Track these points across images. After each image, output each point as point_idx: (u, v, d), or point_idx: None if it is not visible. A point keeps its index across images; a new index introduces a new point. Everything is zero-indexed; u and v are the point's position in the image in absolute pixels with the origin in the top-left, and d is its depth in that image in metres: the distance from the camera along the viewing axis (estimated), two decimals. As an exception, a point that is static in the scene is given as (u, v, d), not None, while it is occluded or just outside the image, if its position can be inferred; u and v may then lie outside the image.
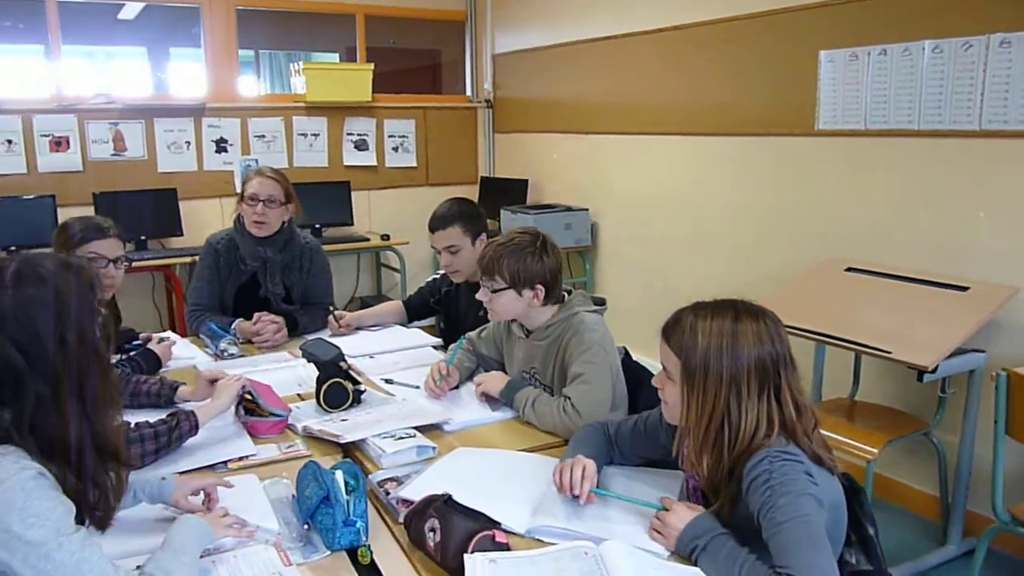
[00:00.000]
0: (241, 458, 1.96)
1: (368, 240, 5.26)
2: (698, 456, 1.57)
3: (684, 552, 1.50)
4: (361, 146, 5.52)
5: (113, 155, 4.81)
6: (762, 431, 1.50)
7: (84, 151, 4.72)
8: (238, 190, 5.08)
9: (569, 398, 2.11)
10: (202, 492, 1.68)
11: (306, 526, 1.60)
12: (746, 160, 3.91)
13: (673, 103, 4.30)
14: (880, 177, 3.30)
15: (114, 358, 2.60)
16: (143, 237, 4.77)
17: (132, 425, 1.91)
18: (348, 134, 5.47)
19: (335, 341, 2.65)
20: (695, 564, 1.47)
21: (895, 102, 3.18)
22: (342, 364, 2.38)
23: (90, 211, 4.57)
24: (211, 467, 1.91)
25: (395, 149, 5.64)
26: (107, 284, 2.55)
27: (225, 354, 2.76)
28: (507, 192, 5.43)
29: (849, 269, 3.25)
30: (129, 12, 5.91)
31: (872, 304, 3.01)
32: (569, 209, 4.98)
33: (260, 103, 5.28)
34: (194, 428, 1.98)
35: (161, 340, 2.73)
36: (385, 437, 1.99)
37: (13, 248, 4.43)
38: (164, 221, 4.85)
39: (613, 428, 1.90)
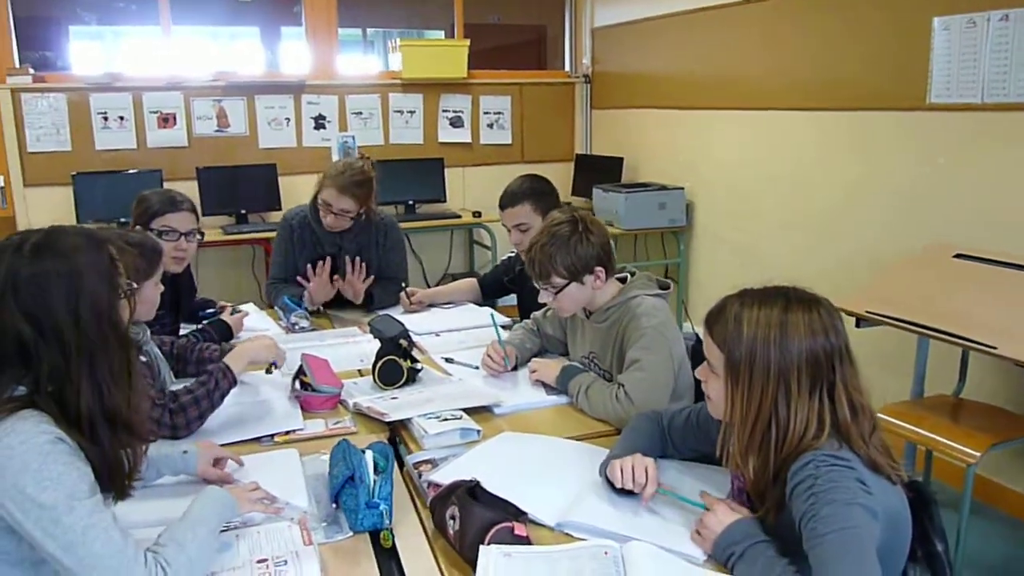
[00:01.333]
0: (287, 432, 1.96)
1: (460, 217, 5.26)
2: (743, 457, 1.44)
3: (720, 559, 1.39)
4: (456, 123, 5.50)
5: (216, 131, 4.97)
6: (811, 432, 1.37)
7: (189, 127, 4.90)
8: (337, 166, 5.27)
9: (623, 385, 2.01)
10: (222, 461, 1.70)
11: (334, 505, 1.57)
12: (850, 136, 3.64)
13: (776, 76, 4.05)
14: (997, 155, 3.00)
15: (187, 327, 2.69)
16: (243, 211, 4.93)
17: (171, 396, 1.94)
18: (443, 111, 5.46)
19: (407, 318, 2.66)
20: (731, 572, 1.36)
21: (1016, 73, 2.86)
22: (402, 342, 2.36)
23: (194, 186, 4.77)
24: (257, 439, 1.93)
25: (490, 126, 5.59)
26: (178, 256, 2.63)
27: (296, 327, 2.79)
28: (602, 170, 5.29)
29: (958, 256, 2.96)
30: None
31: (982, 294, 2.74)
32: (664, 188, 4.81)
33: (357, 80, 5.34)
34: (233, 381, 2.01)
35: (235, 311, 2.80)
36: (430, 418, 1.95)
37: (123, 220, 4.67)
38: (264, 196, 4.99)
39: (667, 419, 1.79)
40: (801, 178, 3.97)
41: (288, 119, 5.12)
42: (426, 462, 1.75)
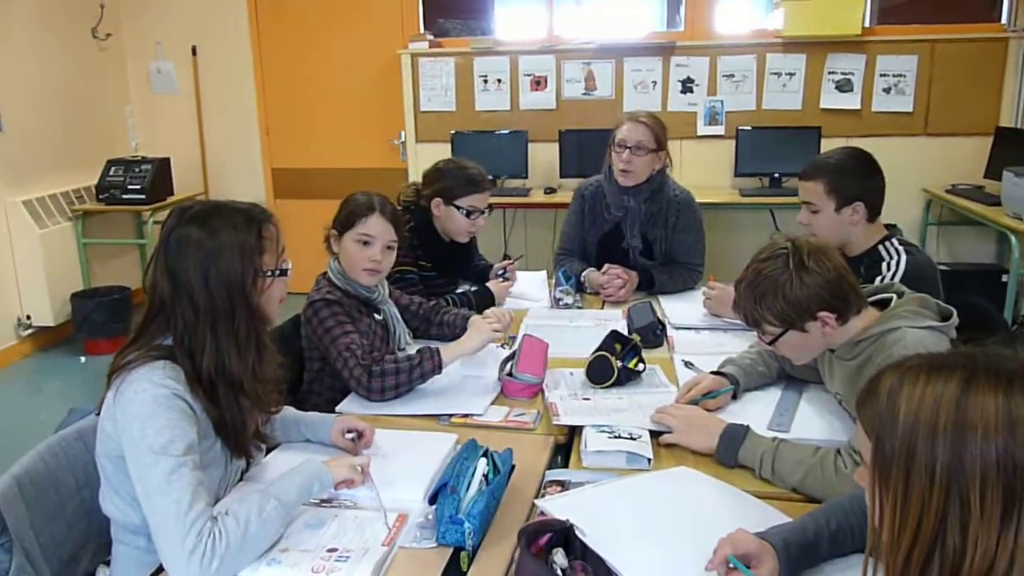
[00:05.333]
0: (465, 415, 1.89)
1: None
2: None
3: None
4: (844, 87, 4.80)
5: (583, 94, 5.02)
6: (999, 571, 0.89)
7: (559, 90, 5.02)
8: (699, 132, 4.98)
9: (855, 452, 1.50)
10: (356, 432, 1.69)
11: (431, 508, 1.46)
12: None
13: None
14: None
15: (464, 286, 2.76)
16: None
17: (376, 359, 1.99)
18: (830, 72, 4.80)
19: (685, 307, 2.46)
20: None
21: None
22: (634, 336, 2.13)
23: (555, 148, 4.90)
24: (436, 416, 1.89)
25: (887, 90, 4.77)
26: (473, 231, 2.70)
27: (560, 303, 2.70)
28: (1028, 148, 4.21)
29: None
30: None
31: None
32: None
33: (732, 40, 4.94)
34: (437, 367, 1.99)
35: (505, 277, 2.80)
36: (602, 431, 1.72)
37: (491, 177, 4.98)
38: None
39: None
40: None
41: (655, 82, 4.96)
42: (557, 483, 1.55)
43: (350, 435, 1.69)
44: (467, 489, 1.42)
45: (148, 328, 1.45)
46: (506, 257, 3.13)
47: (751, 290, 1.66)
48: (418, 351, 2.01)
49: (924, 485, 0.93)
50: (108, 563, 1.58)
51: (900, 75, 4.75)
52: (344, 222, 2.14)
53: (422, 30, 5.18)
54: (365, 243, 2.12)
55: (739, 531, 1.27)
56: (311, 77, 5.41)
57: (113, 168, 4.92)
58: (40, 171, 4.72)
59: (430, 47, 5.06)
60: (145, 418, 1.34)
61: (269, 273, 1.49)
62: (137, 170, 4.89)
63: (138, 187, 4.80)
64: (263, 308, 1.50)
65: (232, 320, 1.44)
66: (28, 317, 4.64)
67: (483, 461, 1.48)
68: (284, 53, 5.41)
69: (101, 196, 4.86)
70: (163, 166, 5.02)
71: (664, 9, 7.04)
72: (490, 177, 4.73)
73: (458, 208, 2.61)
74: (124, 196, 4.79)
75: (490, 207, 2.74)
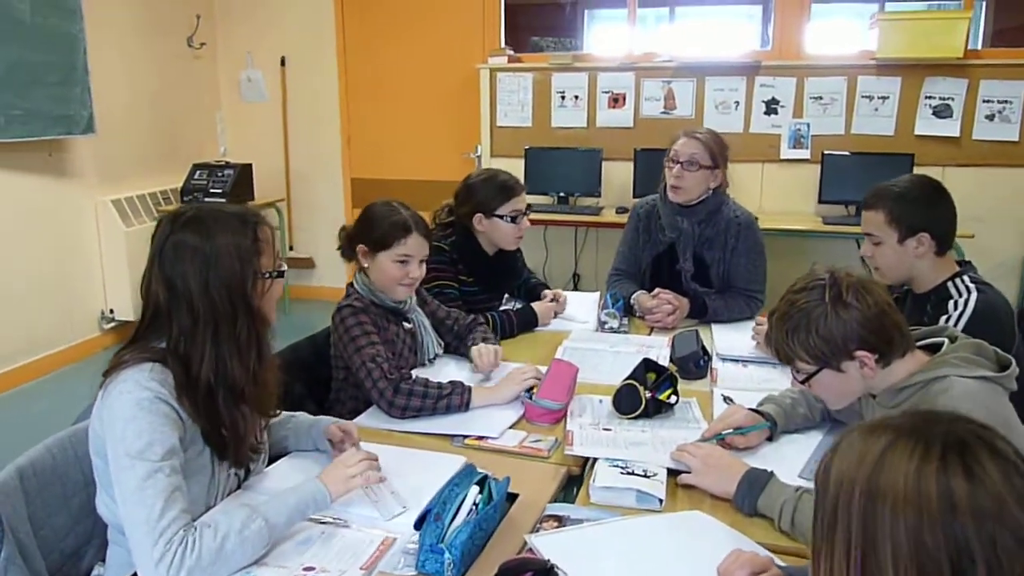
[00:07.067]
0: (480, 437, 1.82)
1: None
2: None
3: None
4: (942, 112, 4.52)
5: (662, 113, 4.89)
6: None
7: (637, 108, 4.91)
8: (783, 155, 4.78)
9: None
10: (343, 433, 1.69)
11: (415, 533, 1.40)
12: None
13: None
14: None
15: (510, 304, 2.70)
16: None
17: (410, 377, 1.96)
18: (926, 97, 4.52)
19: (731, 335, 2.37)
20: None
21: None
22: (671, 366, 2.03)
23: (629, 167, 4.79)
24: (451, 437, 1.83)
25: (990, 117, 4.46)
26: (520, 235, 2.64)
27: (605, 327, 2.60)
28: None
29: None
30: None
31: None
32: None
33: (821, 61, 4.72)
34: (464, 405, 1.95)
35: (554, 299, 2.72)
36: (614, 465, 1.62)
37: (563, 195, 4.92)
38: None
39: None
40: None
41: (737, 102, 4.79)
42: (554, 518, 1.46)
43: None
44: (453, 517, 1.35)
45: (144, 332, 1.44)
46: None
47: (783, 322, 1.53)
48: (450, 383, 1.97)
49: (842, 557, 0.83)
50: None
51: (1006, 101, 4.43)
52: (380, 242, 2.10)
53: (502, 45, 5.17)
54: (403, 262, 2.10)
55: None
56: (392, 90, 5.48)
57: (198, 172, 5.10)
58: (130, 172, 4.94)
59: (509, 62, 5.04)
60: (126, 420, 1.33)
61: (268, 275, 1.47)
62: (220, 174, 5.05)
63: (219, 191, 4.95)
64: (263, 310, 1.48)
65: (234, 324, 1.42)
66: (111, 311, 4.84)
67: (474, 489, 1.40)
68: (367, 65, 5.50)
69: (185, 198, 5.04)
70: (245, 171, 5.17)
71: (760, 28, 6.85)
72: (562, 194, 4.79)
73: (500, 217, 2.55)
74: (206, 199, 4.95)
75: (529, 205, 2.66)
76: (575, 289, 5.06)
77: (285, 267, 1.54)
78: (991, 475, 0.76)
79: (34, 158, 4.30)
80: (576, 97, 4.98)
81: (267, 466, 1.66)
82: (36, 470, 1.52)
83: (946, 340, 1.53)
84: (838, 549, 0.83)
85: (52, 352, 4.53)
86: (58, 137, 4.34)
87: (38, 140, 4.21)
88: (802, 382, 1.57)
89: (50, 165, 4.42)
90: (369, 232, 2.11)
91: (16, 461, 1.50)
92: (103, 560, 1.60)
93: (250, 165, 5.26)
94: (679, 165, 2.64)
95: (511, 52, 5.10)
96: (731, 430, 1.73)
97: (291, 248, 5.81)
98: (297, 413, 1.79)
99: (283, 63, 5.61)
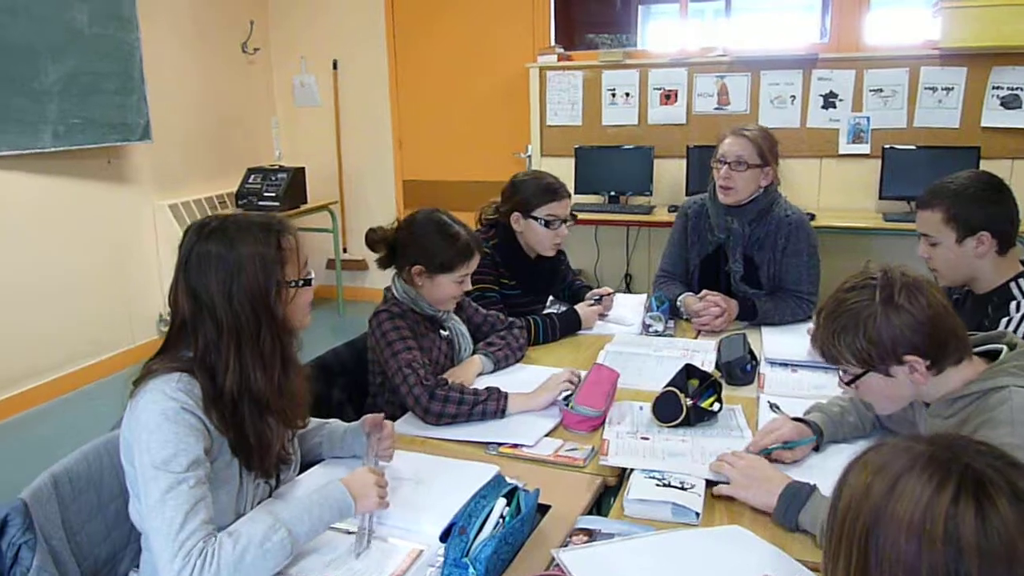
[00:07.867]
0: (514, 445, 1.78)
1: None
2: None
3: None
4: (1011, 103, 4.30)
5: (716, 109, 4.77)
6: None
7: (689, 104, 4.80)
8: (841, 150, 4.62)
9: None
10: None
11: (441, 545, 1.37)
12: None
13: None
14: None
15: (554, 307, 2.66)
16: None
17: (442, 383, 1.93)
18: (994, 87, 4.31)
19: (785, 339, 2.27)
20: None
21: None
22: (716, 373, 1.96)
23: (682, 165, 4.70)
24: (485, 444, 1.80)
25: (1063, 107, 4.24)
26: (558, 242, 2.59)
27: (650, 330, 2.53)
28: None
29: None
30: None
31: None
32: None
33: (881, 52, 4.54)
34: (500, 412, 1.92)
35: (598, 301, 2.66)
36: (651, 476, 1.56)
37: (614, 194, 4.85)
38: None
39: None
40: None
41: (794, 96, 4.64)
42: (584, 531, 1.41)
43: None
44: (479, 530, 1.31)
45: (173, 342, 1.44)
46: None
47: (830, 322, 1.46)
48: (487, 389, 1.94)
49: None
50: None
51: (1077, 91, 4.20)
52: (444, 266, 2.05)
53: (552, 43, 5.12)
54: (462, 282, 2.09)
55: None
56: (442, 91, 5.48)
57: (252, 176, 5.18)
58: (186, 177, 5.04)
59: (559, 60, 4.99)
60: (151, 430, 1.33)
61: (292, 284, 1.46)
62: (273, 178, 5.12)
63: (273, 194, 5.02)
64: (289, 320, 1.47)
65: (257, 335, 1.41)
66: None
67: (502, 501, 1.36)
68: (417, 67, 5.51)
69: (240, 202, 5.12)
70: (298, 175, 5.22)
71: (821, 20, 6.65)
72: (613, 193, 4.71)
73: (536, 219, 2.51)
74: (260, 203, 5.02)
75: (574, 216, 2.60)
76: (627, 290, 4.99)
77: (312, 275, 1.52)
78: (1005, 517, 0.71)
79: (94, 165, 4.42)
80: (627, 94, 4.89)
81: (300, 473, 1.65)
82: (71, 476, 1.54)
83: (1005, 347, 1.44)
84: (840, 568, 0.80)
85: (114, 354, 4.65)
86: (116, 144, 4.46)
87: (97, 147, 4.33)
88: (847, 384, 1.49)
89: (109, 172, 4.54)
90: (431, 256, 2.05)
91: (51, 469, 1.52)
92: (138, 567, 1.61)
93: (303, 168, 5.31)
94: (727, 166, 2.56)
95: (561, 50, 5.04)
96: (778, 444, 1.65)
97: (344, 251, 5.86)
98: (330, 420, 1.78)
99: (335, 66, 5.66)
